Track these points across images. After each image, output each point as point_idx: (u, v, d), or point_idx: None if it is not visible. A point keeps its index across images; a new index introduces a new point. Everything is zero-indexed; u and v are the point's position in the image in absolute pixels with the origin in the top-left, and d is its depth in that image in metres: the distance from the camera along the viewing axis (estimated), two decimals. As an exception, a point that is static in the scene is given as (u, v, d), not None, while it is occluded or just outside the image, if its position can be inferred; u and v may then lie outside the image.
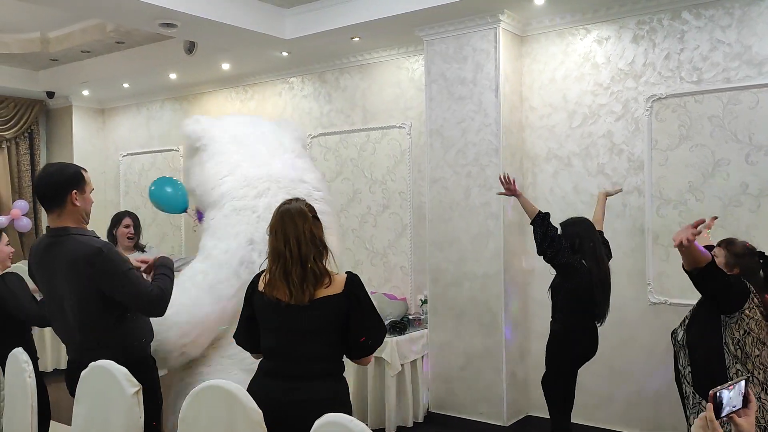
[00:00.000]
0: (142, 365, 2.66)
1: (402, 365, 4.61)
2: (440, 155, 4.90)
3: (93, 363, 2.44)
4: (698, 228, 2.56)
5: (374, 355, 4.55)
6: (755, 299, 2.63)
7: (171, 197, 4.17)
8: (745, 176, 4.09)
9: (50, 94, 7.58)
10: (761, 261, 2.77)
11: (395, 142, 5.62)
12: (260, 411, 2.06)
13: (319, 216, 3.36)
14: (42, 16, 5.72)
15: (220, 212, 3.43)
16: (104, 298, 2.56)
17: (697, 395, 2.71)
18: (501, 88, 4.63)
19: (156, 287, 2.63)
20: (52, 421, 3.42)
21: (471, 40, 4.74)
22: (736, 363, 2.60)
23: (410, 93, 5.54)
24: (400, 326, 4.78)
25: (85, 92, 7.52)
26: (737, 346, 2.60)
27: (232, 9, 4.87)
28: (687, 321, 2.84)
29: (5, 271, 3.40)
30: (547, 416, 4.74)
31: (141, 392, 2.33)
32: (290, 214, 2.33)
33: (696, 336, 2.72)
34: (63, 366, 6.58)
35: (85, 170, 2.72)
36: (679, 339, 2.80)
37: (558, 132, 4.78)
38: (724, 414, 1.51)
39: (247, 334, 2.44)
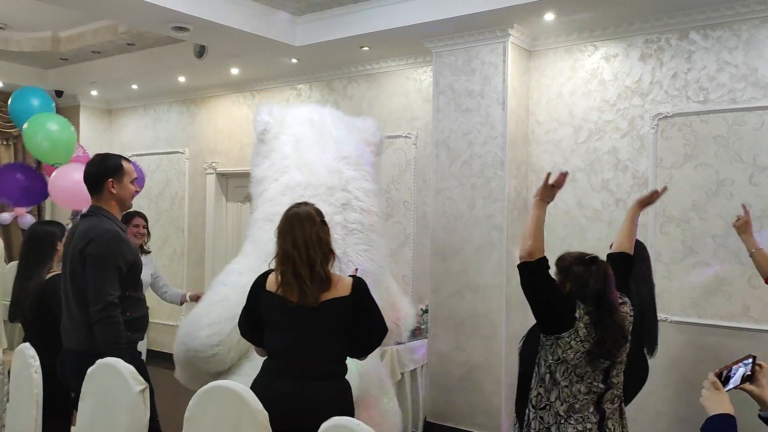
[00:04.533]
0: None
1: (402, 374, 4.63)
2: (446, 166, 4.93)
3: (100, 360, 2.46)
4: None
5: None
6: (584, 331, 2.31)
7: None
8: (748, 196, 4.11)
9: (59, 93, 7.61)
10: (592, 268, 2.41)
11: (401, 152, 5.65)
12: (266, 412, 2.08)
13: (356, 226, 3.46)
14: (54, 16, 5.77)
15: (261, 216, 3.48)
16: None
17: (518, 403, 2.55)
18: (508, 102, 4.67)
19: (117, 315, 2.71)
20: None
21: (480, 53, 4.79)
22: (539, 386, 2.38)
23: (417, 103, 5.59)
24: (401, 335, 4.79)
25: (94, 92, 7.56)
26: (548, 370, 2.37)
27: (245, 15, 4.92)
28: (527, 331, 2.68)
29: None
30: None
31: (147, 391, 2.35)
32: (299, 218, 2.41)
33: (526, 349, 2.59)
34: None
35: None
36: (519, 347, 2.68)
37: (563, 147, 4.81)
38: (728, 388, 1.76)
39: (250, 326, 2.53)
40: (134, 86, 7.20)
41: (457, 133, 4.88)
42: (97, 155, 3.03)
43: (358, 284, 2.45)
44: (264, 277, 2.49)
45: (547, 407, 2.36)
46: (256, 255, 3.31)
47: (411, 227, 5.55)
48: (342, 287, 2.40)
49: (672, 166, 4.38)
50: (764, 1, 4.04)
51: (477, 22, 4.60)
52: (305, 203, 2.51)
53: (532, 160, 4.95)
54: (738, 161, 4.16)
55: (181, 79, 6.74)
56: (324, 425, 1.87)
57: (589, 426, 2.35)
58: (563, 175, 2.60)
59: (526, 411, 2.43)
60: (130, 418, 2.33)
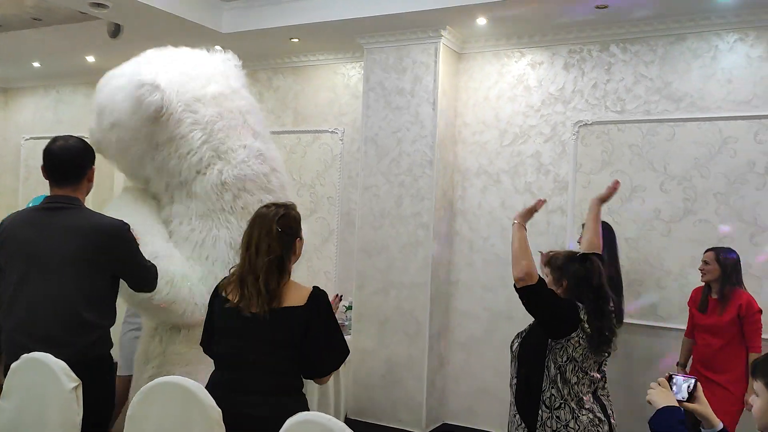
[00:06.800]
0: (106, 363, 2.54)
1: (325, 371, 4.58)
2: (374, 163, 4.93)
3: (26, 355, 2.26)
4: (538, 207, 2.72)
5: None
6: (586, 327, 2.49)
7: None
8: (658, 203, 4.39)
9: (-52, 67, 6.97)
10: (587, 264, 2.57)
11: (327, 147, 5.60)
12: (219, 410, 1.98)
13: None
14: (-50, -18, 5.27)
15: (195, 216, 3.14)
16: (108, 278, 2.50)
17: (514, 407, 2.63)
18: (438, 102, 4.74)
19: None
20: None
21: (411, 52, 4.82)
22: (552, 387, 2.49)
23: (345, 99, 5.55)
24: (324, 331, 4.75)
25: (-12, 68, 6.98)
26: (558, 371, 2.50)
27: (170, -4, 4.70)
28: (524, 333, 2.72)
29: None
30: (464, 425, 4.87)
31: (80, 388, 2.18)
32: (262, 220, 2.23)
33: (526, 351, 2.63)
34: None
35: None
36: (513, 350, 2.69)
37: (489, 149, 4.94)
38: (675, 396, 1.83)
39: (207, 336, 2.34)
40: (36, 64, 6.70)
41: (386, 131, 4.89)
42: (71, 138, 2.58)
43: (316, 296, 2.22)
44: (224, 280, 2.31)
45: (562, 405, 2.48)
46: (204, 255, 3.09)
47: (335, 223, 5.51)
48: (299, 297, 2.19)
49: (590, 172, 4.60)
50: (679, 20, 4.32)
51: (410, 22, 4.63)
52: (284, 205, 2.29)
53: (458, 161, 5.04)
54: (650, 169, 4.43)
55: (90, 59, 6.34)
56: (292, 419, 1.80)
57: (597, 413, 2.52)
58: (541, 202, 2.79)
59: (539, 412, 2.50)
60: (60, 417, 2.16)
